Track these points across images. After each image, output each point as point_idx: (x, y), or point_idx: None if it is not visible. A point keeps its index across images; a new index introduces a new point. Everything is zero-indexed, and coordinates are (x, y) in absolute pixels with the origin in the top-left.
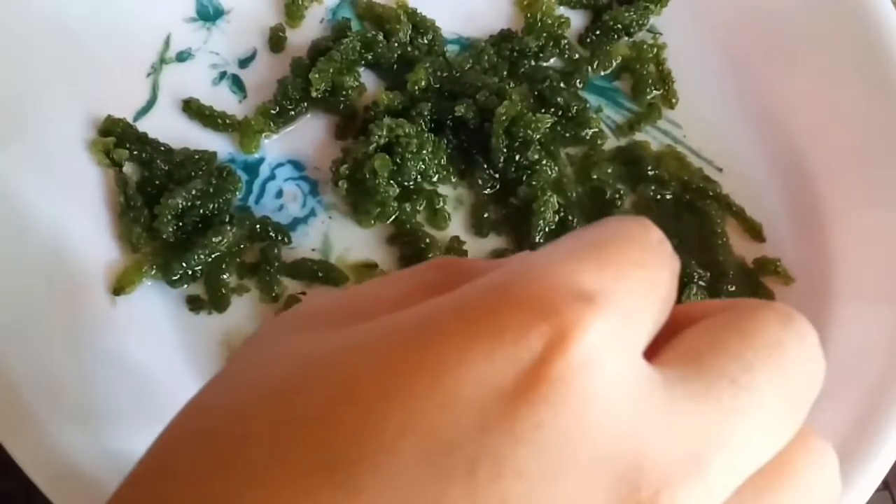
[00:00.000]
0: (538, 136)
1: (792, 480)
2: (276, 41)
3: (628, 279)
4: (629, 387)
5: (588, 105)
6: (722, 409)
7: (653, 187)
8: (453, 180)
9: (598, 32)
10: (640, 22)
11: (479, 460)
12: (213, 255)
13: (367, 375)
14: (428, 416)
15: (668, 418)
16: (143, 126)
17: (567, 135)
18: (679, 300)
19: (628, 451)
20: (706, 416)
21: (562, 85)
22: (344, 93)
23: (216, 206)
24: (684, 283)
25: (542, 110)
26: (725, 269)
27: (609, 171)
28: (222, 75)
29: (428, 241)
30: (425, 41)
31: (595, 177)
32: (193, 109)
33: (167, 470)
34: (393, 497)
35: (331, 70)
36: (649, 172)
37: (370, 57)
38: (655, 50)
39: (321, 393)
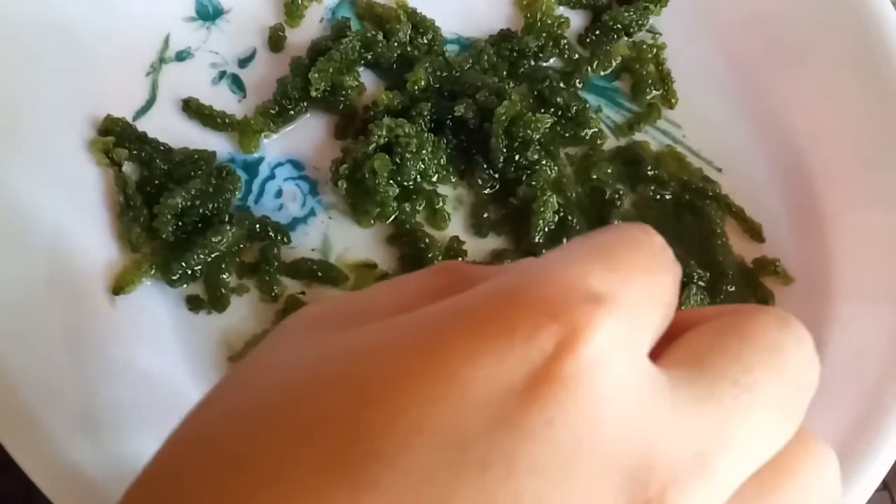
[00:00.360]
0: (538, 136)
1: (792, 481)
2: (275, 41)
3: (635, 283)
4: (636, 386)
5: (588, 105)
6: (724, 410)
7: (652, 187)
8: (453, 180)
9: (597, 32)
10: (640, 22)
11: (492, 458)
12: (212, 255)
13: (379, 376)
14: (440, 416)
15: (674, 418)
16: (142, 125)
17: (567, 135)
18: (679, 300)
19: (637, 449)
20: (710, 417)
21: (561, 85)
22: (343, 92)
23: (216, 205)
24: (684, 284)
25: (542, 110)
26: (725, 270)
27: (609, 171)
28: (222, 75)
29: (427, 241)
30: (425, 41)
31: (595, 177)
32: (193, 109)
33: (177, 471)
34: (406, 494)
35: (330, 70)
36: (649, 172)
37: (370, 57)
38: (655, 50)
39: (332, 393)
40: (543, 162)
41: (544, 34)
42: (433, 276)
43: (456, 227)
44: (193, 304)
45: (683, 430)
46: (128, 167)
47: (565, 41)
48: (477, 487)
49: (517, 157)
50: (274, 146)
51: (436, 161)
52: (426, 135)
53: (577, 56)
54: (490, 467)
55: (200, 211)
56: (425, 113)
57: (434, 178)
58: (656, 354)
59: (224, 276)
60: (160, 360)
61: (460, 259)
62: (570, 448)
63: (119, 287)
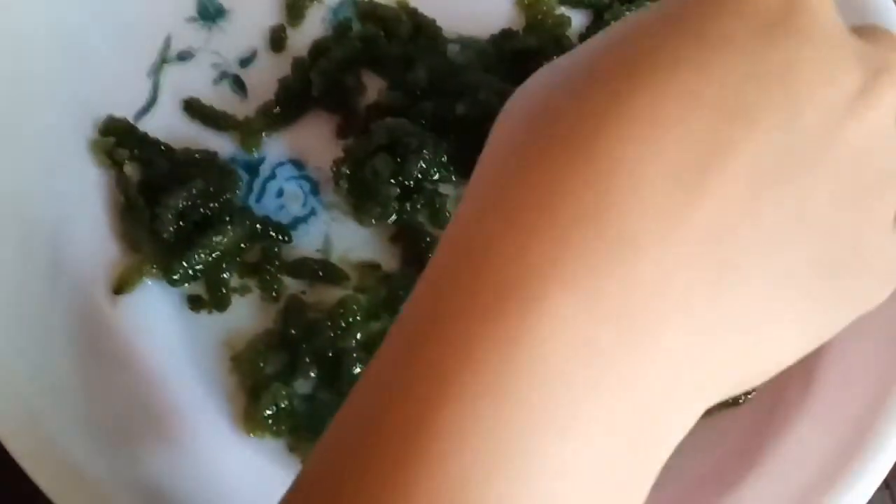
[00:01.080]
0: None
1: None
2: (276, 41)
3: None
4: (841, 24)
5: None
6: None
7: None
8: (454, 179)
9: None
10: None
11: (772, 36)
12: (213, 255)
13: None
14: (723, 30)
15: (862, 53)
16: (144, 126)
17: None
18: None
19: (858, 55)
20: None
21: None
22: (345, 92)
23: (217, 205)
24: None
25: None
26: None
27: None
28: (223, 75)
29: (429, 240)
30: (426, 40)
31: None
32: (194, 109)
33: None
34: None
35: (332, 69)
36: None
37: (371, 56)
38: None
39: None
40: None
41: (545, 33)
42: None
43: None
44: (195, 303)
45: (870, 53)
46: (129, 167)
47: (567, 40)
48: (757, 47)
49: None
50: (275, 146)
51: (437, 160)
52: (427, 134)
53: None
54: (767, 47)
55: (202, 211)
56: (427, 112)
57: (435, 178)
58: None
59: (225, 276)
60: (161, 359)
61: None
62: (821, 42)
63: (121, 287)
